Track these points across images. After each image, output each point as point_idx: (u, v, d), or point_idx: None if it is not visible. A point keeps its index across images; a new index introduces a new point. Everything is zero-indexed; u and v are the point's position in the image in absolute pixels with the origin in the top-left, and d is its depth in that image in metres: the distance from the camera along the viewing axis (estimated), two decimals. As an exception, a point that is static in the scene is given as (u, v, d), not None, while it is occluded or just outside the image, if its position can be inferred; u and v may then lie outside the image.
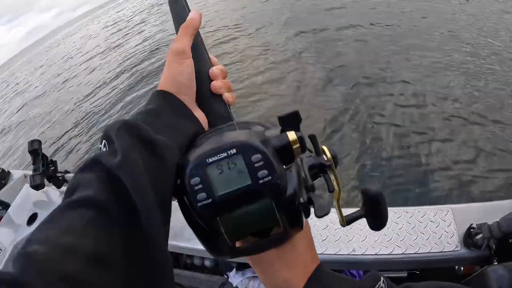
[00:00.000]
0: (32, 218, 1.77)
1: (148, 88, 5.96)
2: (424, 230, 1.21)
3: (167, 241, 0.34)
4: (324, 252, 1.16)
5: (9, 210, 1.82)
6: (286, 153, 0.36)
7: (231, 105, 0.46)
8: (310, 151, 0.41)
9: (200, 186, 0.33)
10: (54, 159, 1.63)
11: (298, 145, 0.36)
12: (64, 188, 1.69)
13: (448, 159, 2.84)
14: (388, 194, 2.63)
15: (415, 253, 1.15)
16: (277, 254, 0.40)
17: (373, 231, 1.18)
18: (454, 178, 2.64)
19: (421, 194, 2.56)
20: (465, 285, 1.17)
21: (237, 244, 0.37)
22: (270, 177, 0.33)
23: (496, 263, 1.12)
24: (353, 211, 0.41)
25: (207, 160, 0.33)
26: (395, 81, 3.93)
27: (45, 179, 1.59)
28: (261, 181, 0.33)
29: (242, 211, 0.34)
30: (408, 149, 3.03)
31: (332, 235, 1.22)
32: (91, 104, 6.36)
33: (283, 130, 0.37)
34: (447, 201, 2.43)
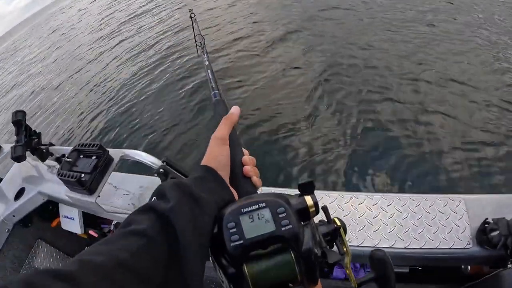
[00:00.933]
0: (19, 193, 1.69)
1: (143, 63, 5.72)
2: (431, 222, 1.05)
3: (202, 277, 0.40)
4: None
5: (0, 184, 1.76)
6: (304, 213, 0.44)
7: (258, 188, 0.55)
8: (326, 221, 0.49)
9: (235, 229, 0.40)
10: (38, 131, 1.53)
11: (313, 208, 0.44)
12: (49, 161, 1.60)
13: (463, 141, 2.65)
14: (394, 178, 2.47)
15: (420, 248, 1.00)
16: None
17: (373, 221, 1.05)
18: (467, 164, 2.44)
19: (430, 180, 2.37)
20: (476, 286, 1.02)
21: None
22: (290, 226, 0.40)
23: (510, 265, 0.97)
24: (364, 276, 0.45)
25: (242, 210, 0.41)
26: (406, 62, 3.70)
27: (28, 151, 1.50)
28: (283, 228, 0.40)
29: (265, 262, 0.40)
30: (417, 130, 2.85)
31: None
32: (84, 80, 6.21)
33: (301, 195, 0.45)
34: (458, 190, 2.24)
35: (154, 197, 0.44)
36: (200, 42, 0.86)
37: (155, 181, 1.38)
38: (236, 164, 0.55)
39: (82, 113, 5.11)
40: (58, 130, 5.00)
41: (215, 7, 7.35)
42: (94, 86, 5.92)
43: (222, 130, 0.56)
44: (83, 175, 1.18)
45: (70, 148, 1.34)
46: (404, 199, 1.11)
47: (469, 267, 1.19)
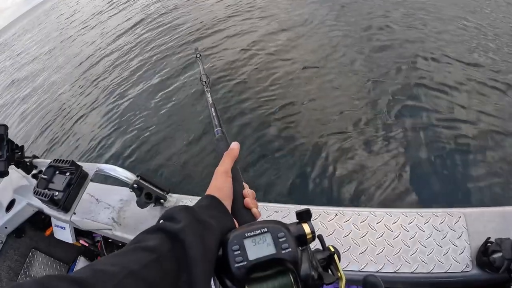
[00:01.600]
0: (10, 204, 1.67)
1: (139, 62, 5.53)
2: (426, 242, 0.94)
3: (207, 267, 0.42)
4: None
5: (-8, 197, 1.74)
6: (302, 239, 0.48)
7: (257, 219, 0.59)
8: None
9: (239, 252, 0.44)
10: (21, 144, 1.48)
11: (311, 235, 0.49)
12: (34, 172, 1.56)
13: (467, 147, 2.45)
14: (384, 193, 2.28)
15: (410, 272, 0.89)
16: None
17: (359, 240, 0.94)
18: (467, 174, 2.26)
19: (425, 193, 2.20)
20: None
21: None
22: (290, 249, 0.44)
23: None
24: None
25: (246, 234, 0.45)
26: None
27: (13, 165, 1.46)
28: (283, 251, 0.44)
29: (266, 284, 0.42)
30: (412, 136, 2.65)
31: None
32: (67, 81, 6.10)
33: (299, 222, 0.50)
34: (457, 202, 2.07)
35: (161, 220, 0.47)
36: (205, 81, 0.88)
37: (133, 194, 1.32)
38: (237, 196, 0.60)
39: (65, 120, 5.03)
40: (40, 140, 4.93)
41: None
42: (77, 90, 5.81)
43: (226, 164, 0.61)
44: (56, 193, 1.12)
45: (50, 161, 1.29)
46: (395, 215, 1.00)
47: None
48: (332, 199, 2.34)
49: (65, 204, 1.12)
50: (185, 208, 0.47)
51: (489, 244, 0.90)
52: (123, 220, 1.26)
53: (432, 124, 2.70)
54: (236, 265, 0.42)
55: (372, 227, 0.98)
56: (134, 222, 1.23)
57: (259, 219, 0.59)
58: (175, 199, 1.21)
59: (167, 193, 1.18)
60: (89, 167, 1.18)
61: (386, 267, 0.91)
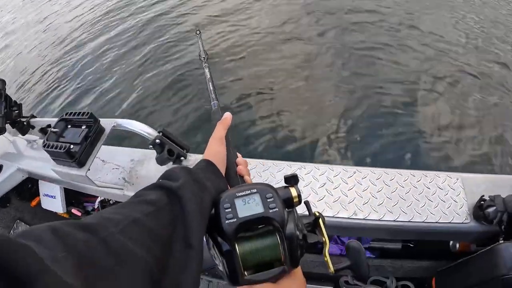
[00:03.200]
0: (-5, 170, 1.53)
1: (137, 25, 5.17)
2: (432, 197, 1.04)
3: (202, 241, 0.43)
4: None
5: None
6: (288, 202, 0.49)
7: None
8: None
9: (229, 209, 0.45)
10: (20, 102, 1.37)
11: (297, 199, 0.50)
12: (29, 135, 1.45)
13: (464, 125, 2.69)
14: (392, 155, 2.47)
15: (422, 221, 0.98)
16: (273, 287, 0.46)
17: (377, 193, 1.01)
18: (463, 147, 2.49)
19: (426, 159, 2.41)
20: (469, 263, 1.02)
21: (247, 276, 0.45)
22: (277, 209, 0.45)
23: (502, 241, 0.97)
24: (341, 263, 0.50)
25: (236, 194, 0.47)
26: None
27: (8, 124, 1.35)
28: (271, 211, 0.45)
29: (254, 242, 0.45)
30: (418, 112, 2.84)
31: (330, 194, 1.04)
32: (65, 52, 5.56)
33: (287, 186, 0.51)
34: (454, 169, 2.28)
35: (160, 179, 0.49)
36: (204, 57, 0.91)
37: (148, 153, 1.27)
38: (231, 164, 0.63)
39: (65, 79, 4.52)
40: (39, 100, 4.31)
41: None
42: (79, 46, 5.26)
43: (219, 132, 0.65)
44: (72, 146, 1.06)
45: (55, 119, 1.20)
46: (405, 174, 1.09)
47: (457, 245, 1.19)
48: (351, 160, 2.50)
49: (81, 157, 1.06)
50: (184, 168, 0.50)
51: (483, 201, 1.01)
52: (135, 179, 1.22)
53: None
54: (226, 221, 0.44)
55: (386, 183, 1.06)
56: (150, 182, 1.19)
57: None
58: (194, 158, 1.20)
59: (187, 151, 1.16)
60: (106, 122, 1.13)
61: (401, 216, 0.98)
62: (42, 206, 1.65)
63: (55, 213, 1.68)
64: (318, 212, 0.52)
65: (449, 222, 0.99)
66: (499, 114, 2.79)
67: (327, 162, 2.52)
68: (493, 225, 0.98)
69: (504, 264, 0.88)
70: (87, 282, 0.28)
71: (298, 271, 0.49)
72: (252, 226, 0.45)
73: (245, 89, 3.42)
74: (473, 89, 3.06)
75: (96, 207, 1.56)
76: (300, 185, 1.06)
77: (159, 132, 1.10)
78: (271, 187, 0.48)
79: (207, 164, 0.56)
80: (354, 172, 1.09)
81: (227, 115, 0.69)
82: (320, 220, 0.51)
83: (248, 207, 0.45)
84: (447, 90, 3.07)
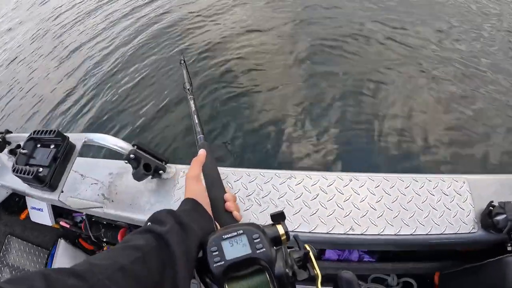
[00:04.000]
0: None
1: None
2: (437, 205, 0.94)
3: (190, 282, 0.45)
4: (313, 231, 0.89)
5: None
6: (276, 240, 0.50)
7: (238, 221, 0.63)
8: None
9: (217, 252, 0.46)
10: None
11: (285, 236, 0.51)
12: (6, 150, 1.34)
13: (463, 121, 2.53)
14: (393, 160, 2.33)
15: (426, 234, 0.89)
16: None
17: (375, 204, 0.92)
18: (467, 145, 2.34)
19: (427, 161, 2.27)
20: (477, 271, 0.94)
21: None
22: (264, 249, 0.46)
23: (510, 248, 0.89)
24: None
25: (223, 236, 0.47)
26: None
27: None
28: (258, 251, 0.46)
29: (244, 282, 0.46)
30: (417, 112, 2.66)
31: (323, 207, 0.94)
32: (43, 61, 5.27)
33: (274, 224, 0.52)
34: (458, 170, 2.11)
35: (149, 222, 0.51)
36: (188, 89, 0.88)
37: (126, 166, 1.17)
38: (218, 200, 0.63)
39: (37, 93, 4.33)
40: (13, 114, 4.16)
41: None
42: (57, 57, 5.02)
43: (193, 170, 0.66)
44: (41, 169, 0.96)
45: (29, 133, 1.10)
46: (407, 180, 0.98)
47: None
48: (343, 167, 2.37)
49: (52, 181, 0.96)
50: (171, 212, 0.52)
51: (491, 207, 0.92)
52: (115, 196, 1.13)
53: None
54: (214, 264, 0.45)
55: (386, 192, 0.96)
56: (129, 198, 1.10)
57: (241, 221, 0.62)
58: (174, 169, 1.10)
59: (165, 163, 1.06)
60: (76, 138, 1.02)
61: (403, 229, 0.89)
62: (31, 219, 1.58)
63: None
64: (309, 245, 0.52)
65: (455, 233, 0.90)
66: (503, 108, 2.62)
67: (310, 169, 2.36)
68: (503, 234, 0.89)
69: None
70: None
71: None
72: (241, 267, 0.46)
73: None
74: (475, 84, 2.86)
75: (84, 218, 1.49)
76: (291, 197, 0.97)
77: (133, 146, 1.00)
78: (258, 227, 0.49)
79: (193, 204, 0.57)
80: (350, 180, 0.99)
81: (201, 151, 0.71)
82: (311, 254, 0.50)
83: (235, 248, 0.46)
84: (445, 87, 2.87)
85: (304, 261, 0.51)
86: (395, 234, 0.89)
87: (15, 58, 5.63)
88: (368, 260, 1.25)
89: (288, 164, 2.40)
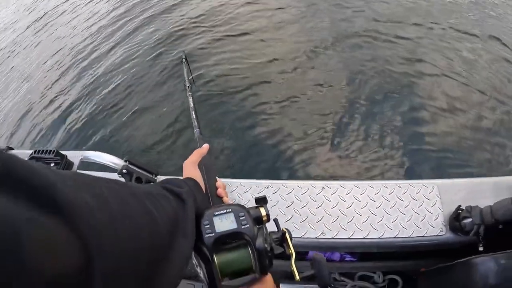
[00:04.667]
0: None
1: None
2: (405, 210, 0.99)
3: (194, 220, 0.51)
4: (303, 236, 0.95)
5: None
6: (258, 220, 0.57)
7: None
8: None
9: (208, 226, 0.53)
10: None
11: (266, 217, 0.58)
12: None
13: (436, 129, 2.57)
14: (364, 167, 2.35)
15: (394, 237, 0.94)
16: None
17: (346, 211, 0.98)
18: (439, 152, 2.37)
19: (401, 167, 2.30)
20: (446, 269, 0.97)
21: (224, 282, 0.52)
22: (248, 225, 0.53)
23: (481, 248, 0.92)
24: (306, 272, 0.58)
25: (214, 213, 0.55)
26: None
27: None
28: (243, 227, 0.53)
29: (230, 254, 0.52)
30: (391, 117, 2.71)
31: (298, 214, 1.00)
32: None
33: (257, 206, 0.60)
34: (431, 176, 2.17)
35: (166, 184, 0.55)
36: (189, 86, 0.91)
37: (119, 179, 1.26)
38: (211, 187, 0.72)
39: (37, 109, 4.50)
40: (15, 130, 4.19)
41: None
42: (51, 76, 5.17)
43: (193, 157, 0.73)
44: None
45: (31, 151, 1.20)
46: (377, 187, 1.04)
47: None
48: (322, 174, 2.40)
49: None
50: (186, 182, 0.59)
51: (459, 211, 0.96)
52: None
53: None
54: (206, 235, 0.52)
55: (356, 198, 1.02)
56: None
57: None
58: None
59: (156, 176, 1.15)
60: (74, 155, 1.12)
61: (371, 233, 0.94)
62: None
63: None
64: (285, 229, 0.60)
65: (423, 236, 0.95)
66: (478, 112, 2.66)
67: (296, 177, 2.42)
68: (470, 236, 0.93)
69: (479, 279, 0.84)
70: (99, 198, 0.30)
71: (268, 277, 0.57)
72: (227, 240, 0.53)
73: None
74: (452, 91, 2.90)
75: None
76: (283, 205, 1.03)
77: (125, 161, 1.09)
78: (244, 207, 0.56)
79: (194, 182, 0.63)
80: (323, 188, 1.05)
81: (205, 146, 0.79)
82: (287, 235, 0.58)
83: (224, 223, 0.53)
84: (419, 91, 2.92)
85: (281, 241, 0.59)
86: (363, 238, 0.94)
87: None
88: (350, 259, 1.29)
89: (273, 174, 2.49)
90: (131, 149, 2.98)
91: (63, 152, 1.12)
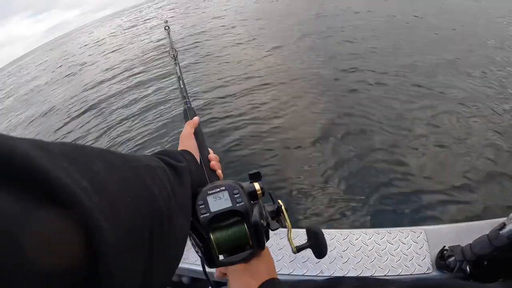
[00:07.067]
0: None
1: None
2: (395, 252, 1.14)
3: (191, 197, 0.50)
4: (292, 273, 1.14)
5: None
6: (253, 195, 0.56)
7: (220, 178, 0.69)
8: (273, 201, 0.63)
9: (203, 206, 0.51)
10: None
11: (260, 192, 0.56)
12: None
13: (424, 179, 2.69)
14: (359, 216, 2.46)
15: (384, 275, 1.09)
16: (244, 267, 0.56)
17: (342, 253, 1.16)
18: (430, 199, 2.46)
19: (395, 216, 2.37)
20: None
21: (221, 257, 0.53)
22: (243, 203, 0.52)
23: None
24: (302, 243, 0.58)
25: (208, 192, 0.53)
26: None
27: None
28: (238, 204, 0.51)
29: (226, 231, 0.51)
30: (382, 170, 2.89)
31: (300, 255, 1.20)
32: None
33: (251, 181, 0.58)
34: (421, 223, 2.22)
35: (161, 155, 0.52)
36: (173, 55, 0.89)
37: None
38: (204, 159, 0.70)
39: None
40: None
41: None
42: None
43: (187, 129, 0.72)
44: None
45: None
46: (369, 233, 1.21)
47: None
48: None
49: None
50: (181, 154, 0.57)
51: (445, 251, 1.10)
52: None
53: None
54: (201, 216, 0.51)
55: (351, 243, 1.20)
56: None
57: (222, 178, 0.69)
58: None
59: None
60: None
61: (364, 272, 1.10)
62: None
63: None
64: (281, 201, 0.60)
65: (411, 274, 1.08)
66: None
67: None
68: (455, 273, 1.05)
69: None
70: (95, 180, 0.27)
71: (266, 252, 0.57)
72: (223, 218, 0.52)
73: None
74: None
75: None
76: (288, 250, 1.24)
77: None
78: (238, 183, 0.55)
79: (191, 155, 0.61)
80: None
81: (195, 118, 0.76)
82: (283, 208, 0.58)
83: (219, 202, 0.52)
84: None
85: (277, 214, 0.59)
86: (357, 276, 1.10)
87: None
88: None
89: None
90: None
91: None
